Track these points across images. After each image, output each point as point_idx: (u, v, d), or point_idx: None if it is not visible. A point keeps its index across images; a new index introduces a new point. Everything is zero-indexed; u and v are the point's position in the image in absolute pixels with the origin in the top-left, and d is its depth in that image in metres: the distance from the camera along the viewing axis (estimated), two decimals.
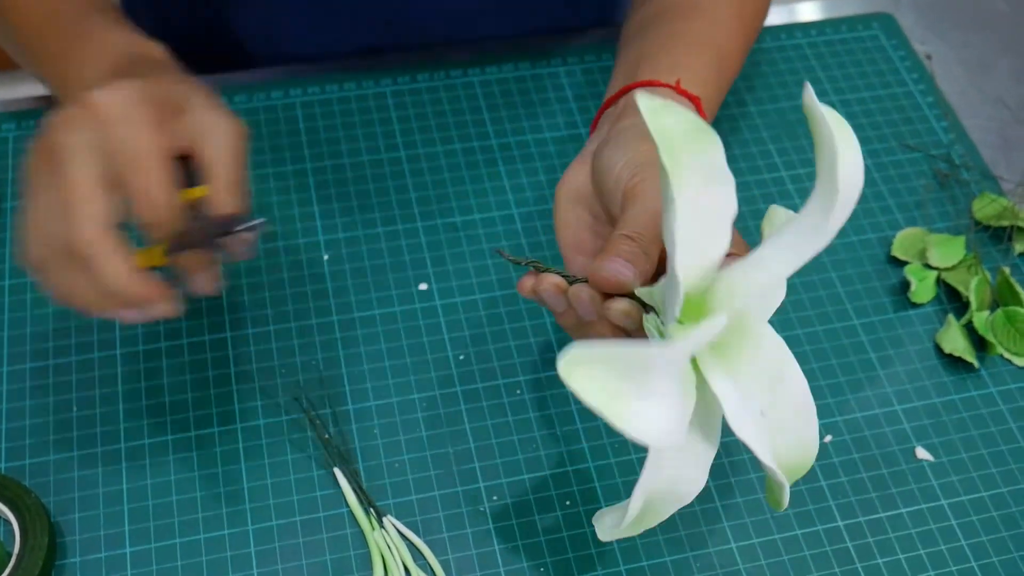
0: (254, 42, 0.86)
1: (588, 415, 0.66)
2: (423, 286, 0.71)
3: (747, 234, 0.75)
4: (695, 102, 0.63)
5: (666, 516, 0.53)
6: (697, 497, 0.62)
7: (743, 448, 0.65)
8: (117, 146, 0.52)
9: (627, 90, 0.63)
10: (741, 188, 0.77)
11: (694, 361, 0.49)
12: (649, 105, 0.46)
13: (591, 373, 0.43)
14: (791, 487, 0.52)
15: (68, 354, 0.68)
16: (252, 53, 0.87)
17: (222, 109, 0.56)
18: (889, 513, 0.64)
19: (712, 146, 0.48)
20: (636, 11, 0.74)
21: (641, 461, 0.64)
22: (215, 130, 0.55)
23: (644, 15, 0.72)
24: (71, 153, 0.52)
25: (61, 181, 0.52)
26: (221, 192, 0.54)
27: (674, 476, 0.52)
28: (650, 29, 0.70)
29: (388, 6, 0.83)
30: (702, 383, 0.49)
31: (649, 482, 0.50)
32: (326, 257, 0.72)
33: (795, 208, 0.75)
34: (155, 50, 0.61)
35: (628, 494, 0.62)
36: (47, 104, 0.79)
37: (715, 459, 0.64)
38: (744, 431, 0.48)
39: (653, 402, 0.45)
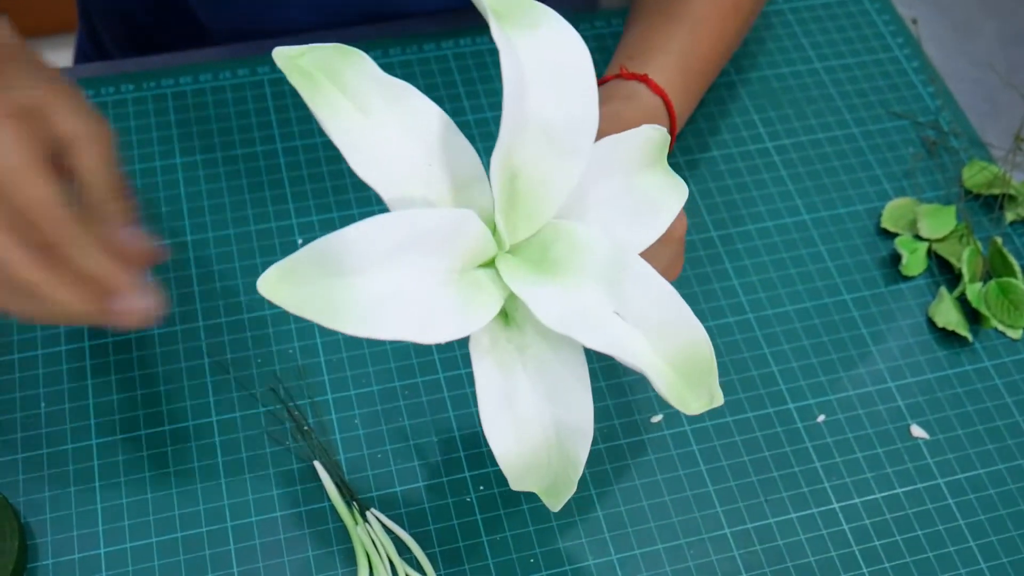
0: (218, 18, 0.83)
1: None
2: None
3: (733, 207, 0.73)
4: (661, 94, 0.63)
5: (580, 455, 0.50)
6: (689, 482, 0.61)
7: (736, 430, 0.64)
8: None
9: (603, 82, 0.65)
10: (725, 159, 0.75)
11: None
12: (283, 55, 0.48)
13: (293, 283, 0.42)
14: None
15: (34, 347, 0.65)
16: (215, 29, 0.83)
17: (84, 111, 0.52)
18: (885, 494, 0.62)
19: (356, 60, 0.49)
20: None
21: (632, 446, 0.63)
22: (81, 139, 0.51)
23: None
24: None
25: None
26: (101, 205, 0.52)
27: (550, 410, 0.50)
28: (639, 10, 0.70)
29: None
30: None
31: (490, 416, 0.48)
32: (300, 241, 0.70)
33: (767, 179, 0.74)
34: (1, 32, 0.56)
35: (618, 480, 0.61)
36: None
37: (707, 440, 0.62)
38: (590, 337, 0.46)
39: (371, 289, 0.43)
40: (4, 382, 0.64)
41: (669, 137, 0.54)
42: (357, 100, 0.48)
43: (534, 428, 0.50)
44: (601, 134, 0.58)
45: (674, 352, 0.49)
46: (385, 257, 0.44)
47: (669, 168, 0.56)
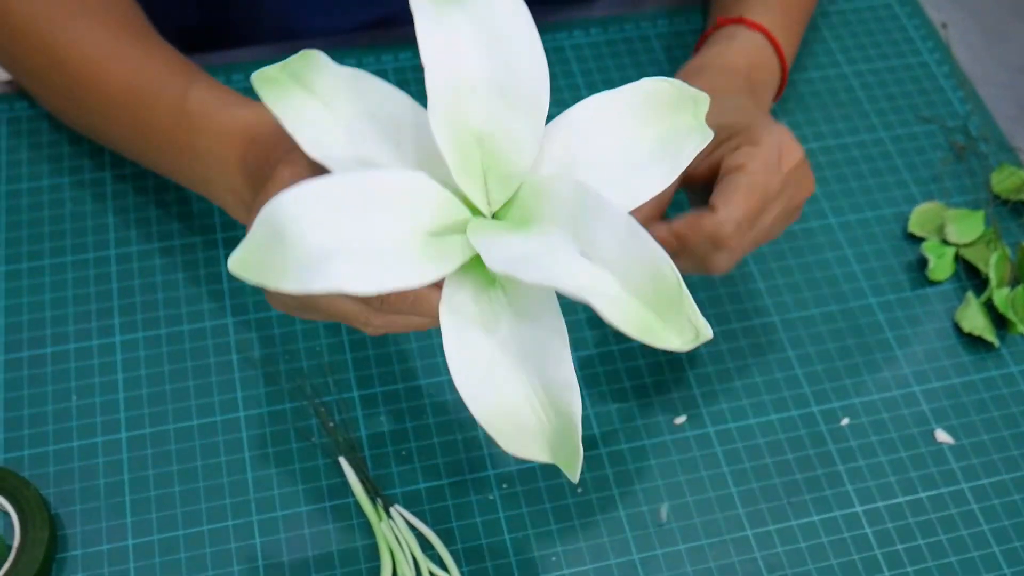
0: (260, 19, 0.84)
1: (599, 400, 0.65)
2: None
3: None
4: (761, 29, 0.69)
5: (573, 409, 0.49)
6: (711, 483, 0.61)
7: (759, 432, 0.64)
8: None
9: (721, 24, 0.70)
10: None
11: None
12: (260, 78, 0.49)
13: (250, 254, 0.43)
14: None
15: (66, 341, 0.66)
16: (256, 30, 0.84)
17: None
18: (908, 498, 0.62)
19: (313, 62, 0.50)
20: None
21: (655, 447, 0.63)
22: None
23: None
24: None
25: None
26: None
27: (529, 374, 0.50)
28: None
29: None
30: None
31: (462, 374, 0.48)
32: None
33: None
34: (264, 119, 0.58)
35: (641, 481, 0.61)
36: None
37: (730, 442, 0.62)
38: (529, 273, 0.44)
39: (311, 246, 0.44)
40: (37, 376, 0.65)
41: (680, 88, 0.54)
42: (323, 97, 0.49)
43: (514, 385, 0.49)
44: (704, 78, 0.63)
45: (640, 284, 0.47)
46: (328, 217, 0.45)
47: (692, 116, 0.54)
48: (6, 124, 0.75)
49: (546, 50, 0.81)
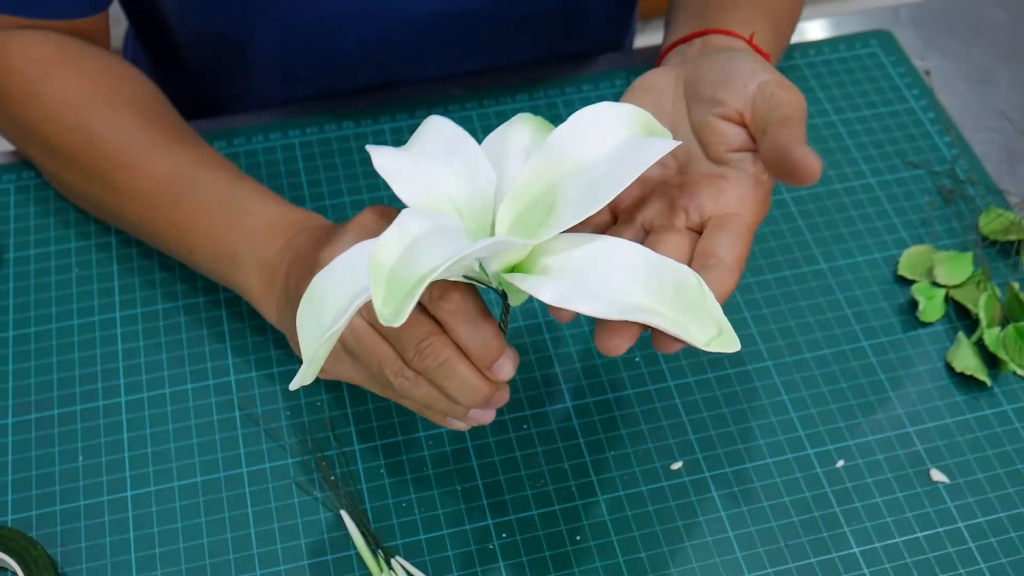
0: (247, 89, 0.86)
1: (596, 448, 0.66)
2: None
3: (751, 257, 0.75)
4: (767, 59, 0.63)
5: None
6: (709, 527, 0.62)
7: (755, 476, 0.65)
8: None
9: (704, 33, 0.65)
10: None
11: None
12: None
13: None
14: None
15: (73, 403, 0.67)
16: (250, 100, 0.87)
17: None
18: (905, 538, 0.63)
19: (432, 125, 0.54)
20: None
21: (652, 493, 0.64)
22: None
23: None
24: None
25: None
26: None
27: None
28: None
29: (386, 54, 0.83)
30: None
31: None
32: None
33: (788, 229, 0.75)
34: (315, 218, 0.64)
35: (639, 526, 0.62)
36: None
37: (726, 487, 0.63)
38: (592, 306, 0.48)
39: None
40: (44, 437, 0.66)
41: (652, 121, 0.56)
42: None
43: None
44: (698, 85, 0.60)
45: (668, 296, 0.50)
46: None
47: (661, 129, 0.57)
48: (14, 193, 0.77)
49: (538, 107, 0.83)
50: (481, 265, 0.52)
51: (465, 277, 0.53)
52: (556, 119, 0.82)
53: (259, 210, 0.64)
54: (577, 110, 0.55)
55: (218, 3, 0.77)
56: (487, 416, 0.56)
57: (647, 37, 0.93)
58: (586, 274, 0.50)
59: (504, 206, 0.52)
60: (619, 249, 0.51)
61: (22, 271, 0.73)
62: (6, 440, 0.66)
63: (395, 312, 0.45)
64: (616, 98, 0.83)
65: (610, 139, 0.54)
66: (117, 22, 1.23)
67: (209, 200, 0.65)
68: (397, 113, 0.82)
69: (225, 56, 0.83)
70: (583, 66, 0.87)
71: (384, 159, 0.53)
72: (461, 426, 0.57)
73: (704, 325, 0.50)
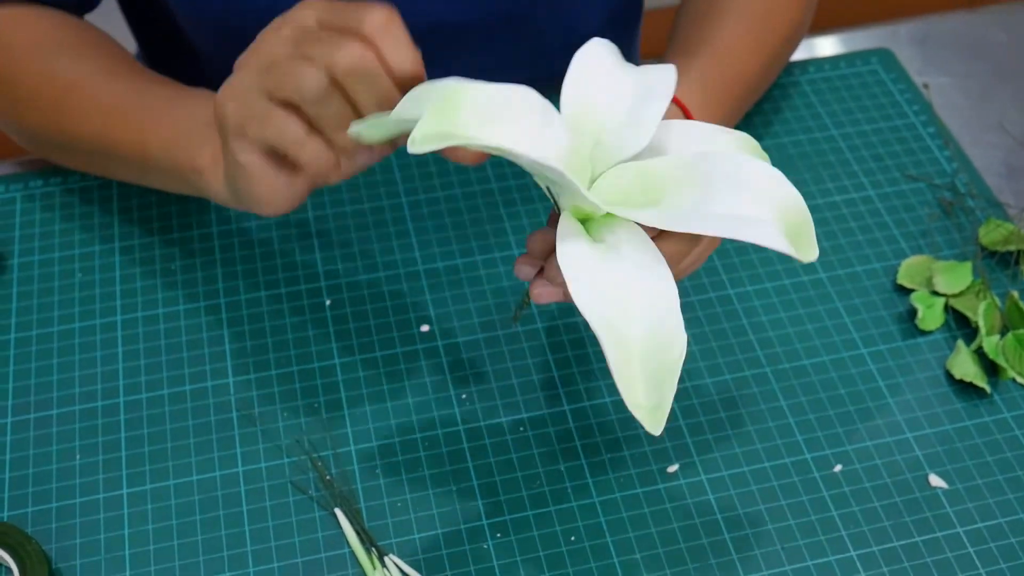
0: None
1: (593, 451, 0.66)
2: (425, 328, 0.71)
3: (750, 266, 0.75)
4: (679, 104, 0.65)
5: (675, 343, 0.50)
6: (704, 530, 0.62)
7: (752, 479, 0.64)
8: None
9: None
10: None
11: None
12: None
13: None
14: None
15: (72, 403, 0.68)
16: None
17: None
18: (903, 542, 0.62)
19: (456, 94, 0.50)
20: (674, 19, 0.79)
21: (648, 495, 0.63)
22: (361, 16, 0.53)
23: (673, 26, 0.77)
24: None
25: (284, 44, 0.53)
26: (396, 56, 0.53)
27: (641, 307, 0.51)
28: (670, 40, 0.75)
29: None
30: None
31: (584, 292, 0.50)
32: (328, 302, 0.73)
33: None
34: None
35: (634, 528, 0.62)
36: (51, 165, 0.81)
37: (723, 490, 0.63)
38: (704, 225, 0.50)
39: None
40: (43, 436, 0.66)
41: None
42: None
43: (629, 309, 0.50)
44: None
45: (780, 214, 0.52)
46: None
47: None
48: (20, 201, 0.78)
49: None
50: (551, 190, 0.53)
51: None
52: None
53: (198, 94, 0.66)
54: None
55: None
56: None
57: None
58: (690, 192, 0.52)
59: (619, 174, 0.53)
60: (725, 163, 0.53)
61: (26, 276, 0.74)
62: (5, 439, 0.66)
63: (423, 140, 0.47)
64: None
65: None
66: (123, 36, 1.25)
67: (154, 101, 0.66)
68: None
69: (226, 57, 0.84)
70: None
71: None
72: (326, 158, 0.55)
73: (807, 246, 0.52)
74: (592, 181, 0.54)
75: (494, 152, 0.49)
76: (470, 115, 0.49)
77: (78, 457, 0.65)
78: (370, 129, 0.52)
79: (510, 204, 0.78)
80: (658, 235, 0.57)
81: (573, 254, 0.50)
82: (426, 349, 0.70)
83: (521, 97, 0.50)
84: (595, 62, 0.56)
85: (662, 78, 0.56)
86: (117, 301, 0.73)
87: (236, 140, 0.55)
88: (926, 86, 0.86)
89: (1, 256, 0.75)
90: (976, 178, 0.80)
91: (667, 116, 0.63)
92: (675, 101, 0.65)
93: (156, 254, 0.75)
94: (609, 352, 0.49)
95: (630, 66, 0.58)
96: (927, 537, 0.62)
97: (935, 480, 0.65)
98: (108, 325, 0.71)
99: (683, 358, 0.50)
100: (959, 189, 0.79)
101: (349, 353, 0.70)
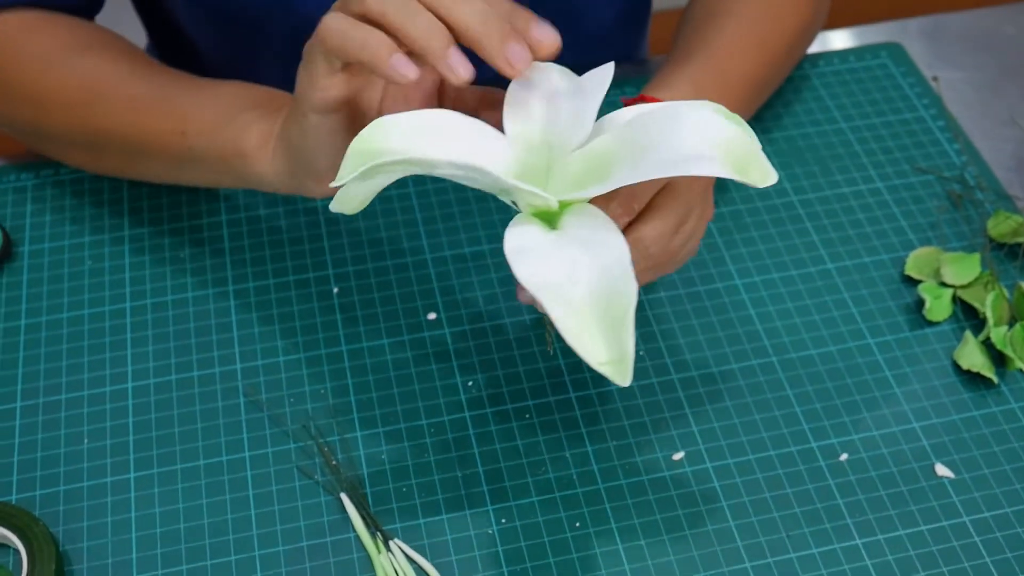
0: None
1: (598, 437, 0.66)
2: (432, 316, 0.72)
3: (758, 257, 0.75)
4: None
5: (626, 297, 0.50)
6: (710, 517, 0.62)
7: (757, 467, 0.64)
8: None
9: (629, 103, 0.66)
10: (752, 212, 0.77)
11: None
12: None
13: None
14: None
15: (80, 388, 0.68)
16: None
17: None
18: (909, 531, 0.62)
19: (385, 125, 0.54)
20: (679, 24, 0.79)
21: (654, 482, 0.64)
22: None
23: (677, 31, 0.78)
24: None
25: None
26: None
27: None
28: (681, 31, 0.76)
29: None
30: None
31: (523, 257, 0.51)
32: (336, 290, 0.73)
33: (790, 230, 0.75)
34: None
35: (639, 515, 0.62)
36: None
37: (728, 477, 0.63)
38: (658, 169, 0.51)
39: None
40: (52, 420, 0.67)
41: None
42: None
43: (568, 270, 0.51)
44: None
45: (722, 148, 0.52)
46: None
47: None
48: (31, 190, 0.79)
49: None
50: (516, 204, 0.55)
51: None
52: None
53: (234, 82, 0.68)
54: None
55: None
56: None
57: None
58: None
59: (568, 163, 0.55)
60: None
61: (36, 263, 0.75)
62: (14, 423, 0.67)
63: (352, 165, 0.52)
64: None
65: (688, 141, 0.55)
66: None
67: (190, 90, 0.68)
68: None
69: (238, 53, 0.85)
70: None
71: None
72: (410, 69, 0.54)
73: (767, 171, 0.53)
74: (548, 179, 0.56)
75: (421, 168, 0.52)
76: (399, 136, 0.53)
77: (86, 441, 0.66)
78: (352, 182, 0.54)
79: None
80: (636, 220, 0.57)
81: (518, 236, 0.52)
82: (433, 337, 0.70)
83: (451, 119, 0.54)
84: (527, 84, 0.57)
85: (597, 76, 0.56)
86: (126, 288, 0.73)
87: (326, 69, 0.56)
88: (935, 79, 0.86)
89: (12, 243, 0.75)
90: (985, 171, 0.80)
91: None
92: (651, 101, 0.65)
93: (165, 242, 0.76)
94: (556, 314, 0.49)
95: (569, 75, 0.59)
96: (933, 526, 0.62)
97: (941, 470, 0.65)
98: (117, 312, 0.72)
99: (634, 305, 0.49)
100: (968, 182, 0.79)
101: (356, 340, 0.70)
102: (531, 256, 0.50)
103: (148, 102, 0.68)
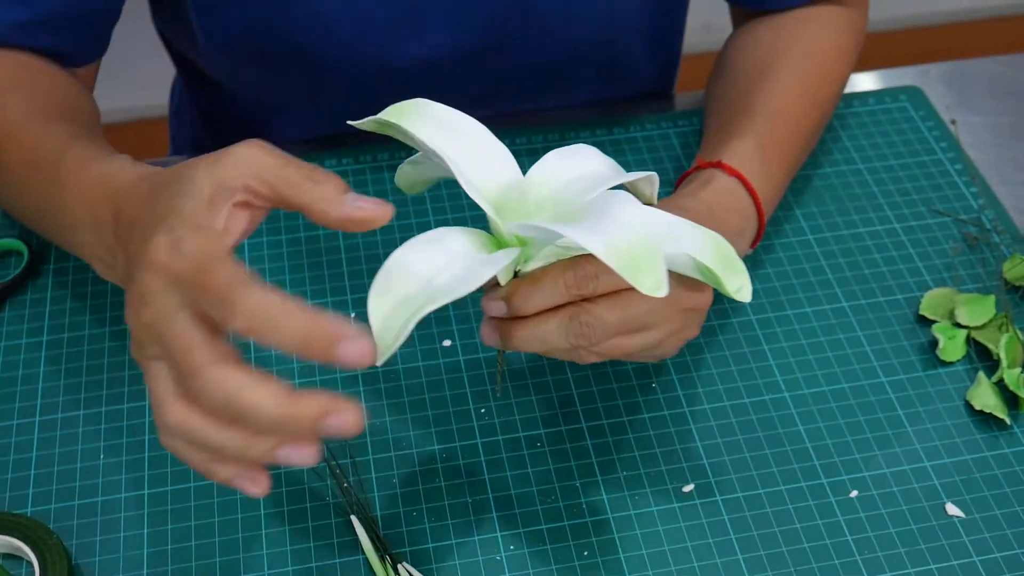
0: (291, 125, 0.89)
1: (609, 468, 0.66)
2: (447, 343, 0.72)
3: (773, 294, 0.75)
4: (737, 175, 0.68)
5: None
6: (718, 549, 0.62)
7: (767, 502, 0.64)
8: (199, 293, 0.48)
9: (683, 177, 0.71)
10: (766, 249, 0.78)
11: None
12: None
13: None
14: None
15: (99, 405, 0.69)
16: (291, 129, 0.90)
17: (222, 152, 0.53)
18: (918, 569, 0.62)
19: (429, 107, 0.58)
20: (711, 85, 0.82)
21: (663, 514, 0.64)
22: (245, 170, 0.52)
23: (714, 92, 0.80)
24: (164, 319, 0.49)
25: (169, 347, 0.49)
26: (317, 202, 0.52)
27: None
28: (715, 105, 0.78)
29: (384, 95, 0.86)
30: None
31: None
32: (352, 315, 0.74)
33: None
34: (120, 174, 0.59)
35: (647, 545, 0.62)
36: None
37: (737, 511, 0.63)
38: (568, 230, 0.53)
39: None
40: (69, 435, 0.68)
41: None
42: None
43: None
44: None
45: (625, 239, 0.54)
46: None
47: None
48: None
49: (637, 139, 0.85)
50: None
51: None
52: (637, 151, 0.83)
53: (74, 181, 0.61)
54: (663, 144, 0.58)
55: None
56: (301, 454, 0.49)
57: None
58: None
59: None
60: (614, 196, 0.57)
61: (60, 281, 0.76)
62: (32, 436, 0.68)
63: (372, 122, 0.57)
64: (673, 139, 0.85)
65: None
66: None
67: (43, 180, 0.63)
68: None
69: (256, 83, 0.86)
70: (621, 110, 0.89)
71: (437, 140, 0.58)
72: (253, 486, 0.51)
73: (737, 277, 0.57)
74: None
75: (426, 152, 0.57)
76: (425, 119, 0.57)
77: (102, 457, 0.67)
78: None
79: None
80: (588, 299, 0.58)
81: (440, 231, 0.55)
82: (447, 364, 0.71)
83: (480, 130, 0.58)
84: (574, 154, 0.60)
85: (636, 173, 0.59)
86: None
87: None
88: (953, 122, 0.86)
89: (37, 261, 0.77)
90: (1002, 214, 0.80)
91: (722, 188, 0.68)
92: (735, 174, 0.68)
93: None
94: (380, 279, 0.52)
95: (610, 161, 0.61)
96: (942, 565, 0.62)
97: (952, 509, 0.64)
98: None
99: (428, 312, 0.56)
100: (984, 224, 0.80)
101: (371, 366, 0.71)
102: (428, 238, 0.54)
103: (27, 176, 0.66)
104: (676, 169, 0.83)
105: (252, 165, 0.52)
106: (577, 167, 0.60)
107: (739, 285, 0.57)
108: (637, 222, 0.54)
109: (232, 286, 0.47)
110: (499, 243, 0.57)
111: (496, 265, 0.53)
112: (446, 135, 0.57)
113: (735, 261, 0.58)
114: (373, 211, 0.52)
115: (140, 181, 0.57)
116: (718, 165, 0.68)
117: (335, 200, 0.52)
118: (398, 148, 0.85)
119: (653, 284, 0.52)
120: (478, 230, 0.56)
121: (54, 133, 0.66)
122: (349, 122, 0.59)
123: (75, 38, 0.75)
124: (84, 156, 0.62)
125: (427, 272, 0.52)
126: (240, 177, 0.52)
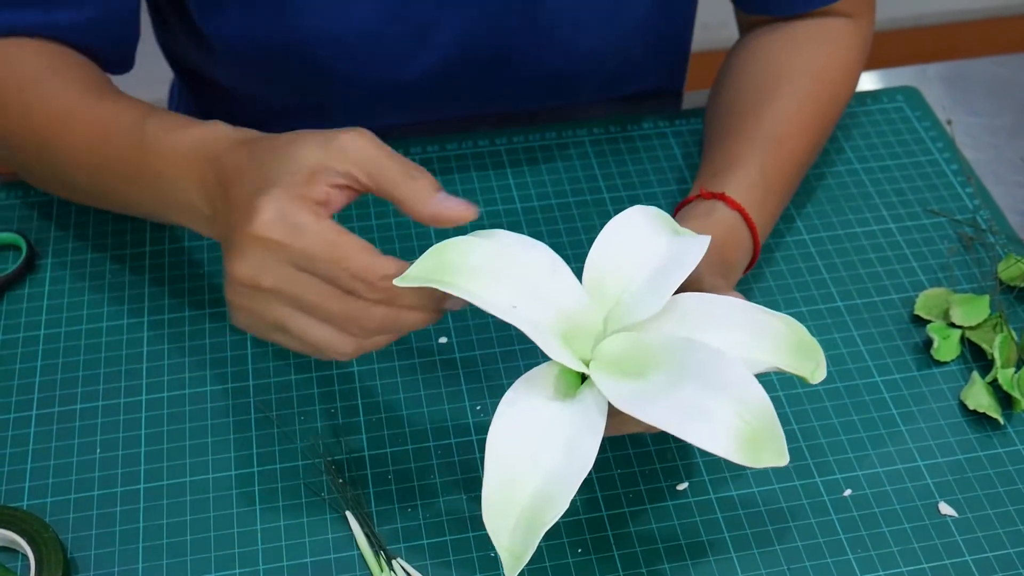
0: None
1: (603, 465, 0.66)
2: (443, 340, 0.72)
3: (768, 293, 0.75)
4: (739, 209, 0.68)
5: (545, 521, 0.53)
6: (712, 548, 0.62)
7: (761, 500, 0.65)
8: (310, 265, 0.55)
9: (685, 203, 0.70)
10: (763, 248, 0.78)
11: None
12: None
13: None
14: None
15: (95, 399, 0.69)
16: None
17: (331, 134, 0.57)
18: (911, 568, 0.62)
19: (466, 253, 0.56)
20: (714, 97, 0.81)
21: (657, 511, 0.64)
22: (352, 157, 0.56)
23: (717, 107, 0.79)
24: (290, 281, 0.56)
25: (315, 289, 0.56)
26: (411, 198, 0.57)
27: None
28: (719, 123, 0.77)
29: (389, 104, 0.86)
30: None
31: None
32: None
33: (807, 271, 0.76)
34: (216, 133, 0.62)
35: (641, 543, 0.62)
36: None
37: (731, 509, 0.63)
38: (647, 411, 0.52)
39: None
40: (66, 429, 0.68)
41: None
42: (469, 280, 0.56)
43: (533, 455, 0.53)
44: None
45: (750, 418, 0.53)
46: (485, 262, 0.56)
47: (680, 229, 0.62)
48: (56, 204, 0.81)
49: (562, 143, 0.85)
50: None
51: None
52: (583, 156, 0.84)
53: (162, 147, 0.63)
54: (585, 150, 0.58)
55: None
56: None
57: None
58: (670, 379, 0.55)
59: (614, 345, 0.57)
60: (704, 353, 0.55)
61: (58, 276, 0.76)
62: (29, 430, 0.68)
63: (411, 279, 0.55)
64: (677, 138, 0.85)
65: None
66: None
67: (122, 151, 0.65)
68: (429, 145, 0.85)
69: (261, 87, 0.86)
70: (629, 107, 0.89)
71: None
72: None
73: (779, 453, 0.53)
74: (598, 341, 0.57)
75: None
76: (464, 273, 0.55)
77: (99, 451, 0.67)
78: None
79: (534, 224, 0.79)
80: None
81: (518, 396, 0.55)
82: (443, 360, 0.71)
83: (533, 255, 0.57)
84: (627, 230, 0.60)
85: (692, 249, 0.58)
86: (145, 303, 0.74)
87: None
88: (949, 123, 0.87)
89: (35, 255, 0.77)
90: (997, 215, 0.81)
91: (724, 223, 0.67)
92: (737, 208, 0.68)
93: (185, 259, 0.77)
94: (490, 489, 0.53)
95: (667, 230, 0.61)
96: (935, 564, 0.62)
97: (945, 508, 0.65)
98: (135, 326, 0.73)
99: (556, 520, 0.52)
100: (980, 225, 0.80)
101: (368, 361, 0.71)
102: (514, 420, 0.54)
103: (90, 159, 0.68)
104: (674, 170, 0.83)
105: (358, 154, 0.57)
106: (629, 255, 0.59)
107: (813, 367, 0.57)
108: (739, 383, 0.53)
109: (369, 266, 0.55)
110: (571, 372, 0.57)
111: (598, 434, 0.53)
112: (489, 281, 0.56)
113: (809, 344, 0.58)
114: (460, 210, 0.56)
115: (239, 145, 0.60)
116: (721, 197, 0.68)
117: (428, 198, 0.56)
118: (464, 139, 0.85)
119: (774, 458, 0.52)
120: (548, 368, 0.56)
121: (120, 107, 0.67)
122: (395, 282, 0.55)
123: (108, 41, 0.75)
124: (169, 122, 0.64)
125: (529, 465, 0.53)
126: (345, 163, 0.56)
